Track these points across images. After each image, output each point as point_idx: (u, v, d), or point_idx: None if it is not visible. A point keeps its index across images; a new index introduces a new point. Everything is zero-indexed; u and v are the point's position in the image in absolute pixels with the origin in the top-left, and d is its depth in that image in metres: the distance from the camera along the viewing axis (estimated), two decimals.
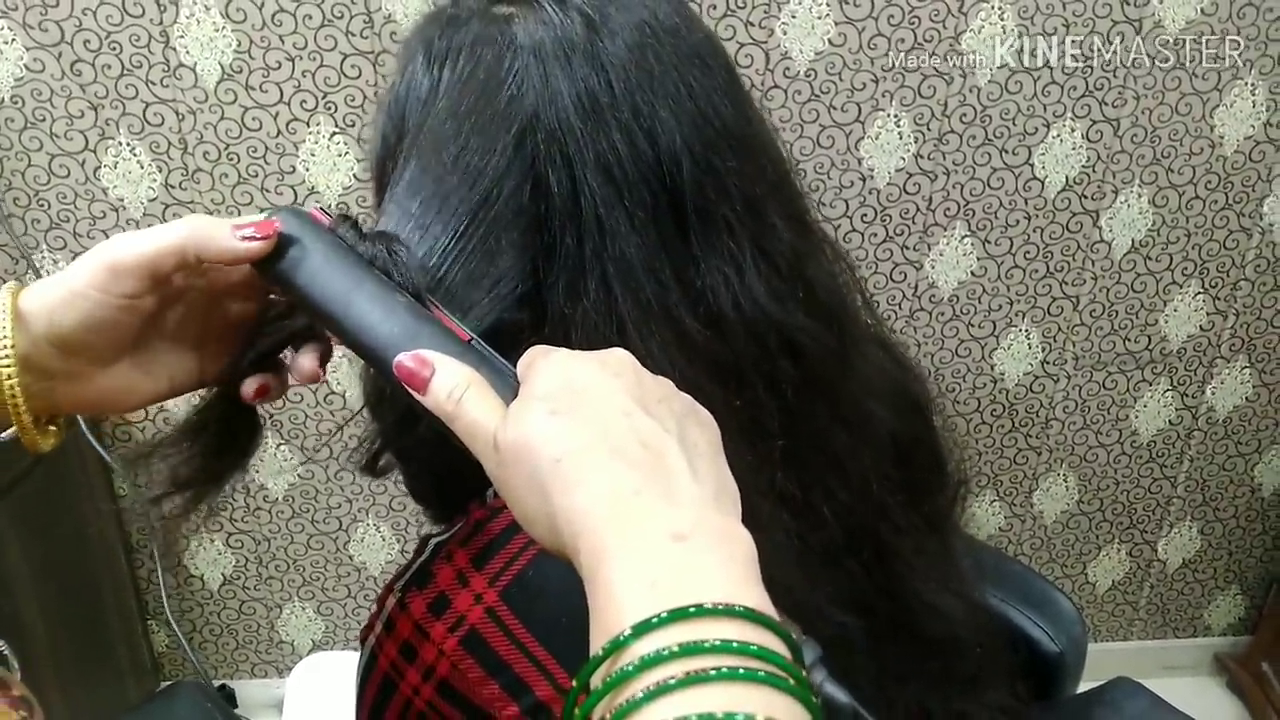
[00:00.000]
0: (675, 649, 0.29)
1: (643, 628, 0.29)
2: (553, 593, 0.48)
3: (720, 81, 0.50)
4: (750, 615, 0.30)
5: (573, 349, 0.48)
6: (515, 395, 0.39)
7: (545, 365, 0.39)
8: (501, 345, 0.52)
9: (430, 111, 0.49)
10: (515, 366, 0.41)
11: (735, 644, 0.29)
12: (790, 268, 0.50)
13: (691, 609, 0.29)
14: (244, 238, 0.44)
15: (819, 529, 0.51)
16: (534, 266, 0.49)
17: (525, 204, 0.48)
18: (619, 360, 0.39)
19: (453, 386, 0.39)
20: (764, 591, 0.32)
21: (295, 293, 0.45)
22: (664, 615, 0.29)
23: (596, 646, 0.30)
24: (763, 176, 0.51)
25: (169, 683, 1.66)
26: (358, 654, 0.55)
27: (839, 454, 0.52)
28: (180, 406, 1.47)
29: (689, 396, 0.39)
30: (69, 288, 0.43)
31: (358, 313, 0.43)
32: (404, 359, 0.40)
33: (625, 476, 0.33)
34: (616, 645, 0.29)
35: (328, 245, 0.45)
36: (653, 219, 0.47)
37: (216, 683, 1.69)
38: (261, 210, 0.49)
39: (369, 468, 0.51)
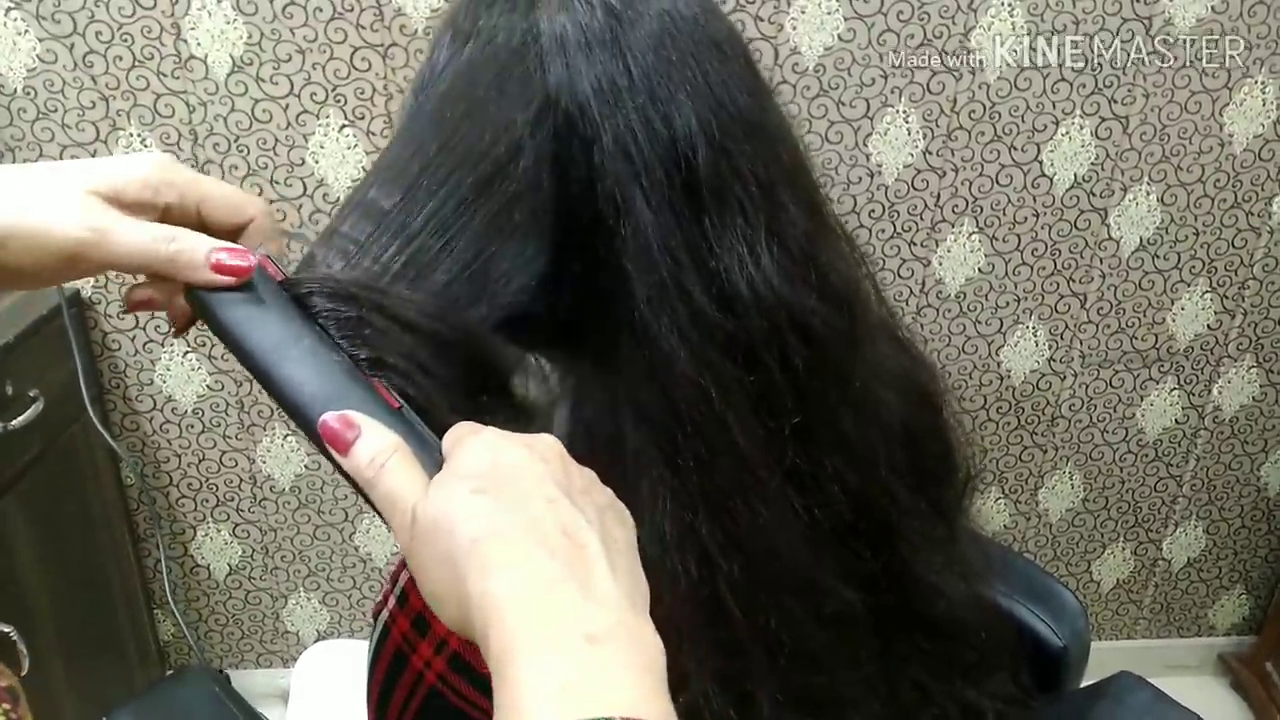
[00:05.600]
0: None
1: None
2: None
3: (738, 70, 0.51)
4: None
5: (585, 330, 0.49)
6: (439, 469, 0.38)
7: (473, 442, 0.38)
8: (525, 335, 0.52)
9: (449, 82, 0.50)
10: (448, 438, 0.40)
11: None
12: (803, 251, 0.51)
13: None
14: (219, 269, 0.43)
15: (826, 506, 0.52)
16: (550, 248, 0.49)
17: (541, 181, 0.48)
18: (547, 446, 0.38)
19: (376, 451, 0.39)
20: (670, 704, 0.32)
21: (228, 337, 0.43)
22: None
23: None
24: (778, 162, 0.51)
25: (173, 670, 1.67)
26: (365, 643, 0.55)
27: (848, 435, 0.52)
28: (187, 397, 1.48)
29: (610, 490, 0.39)
30: (34, 234, 0.40)
31: (289, 366, 0.42)
32: (330, 418, 0.40)
33: (545, 565, 0.33)
34: None
35: (272, 294, 0.44)
36: (668, 199, 0.48)
37: (217, 670, 1.70)
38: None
39: None
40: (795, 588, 0.50)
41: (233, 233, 0.46)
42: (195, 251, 0.43)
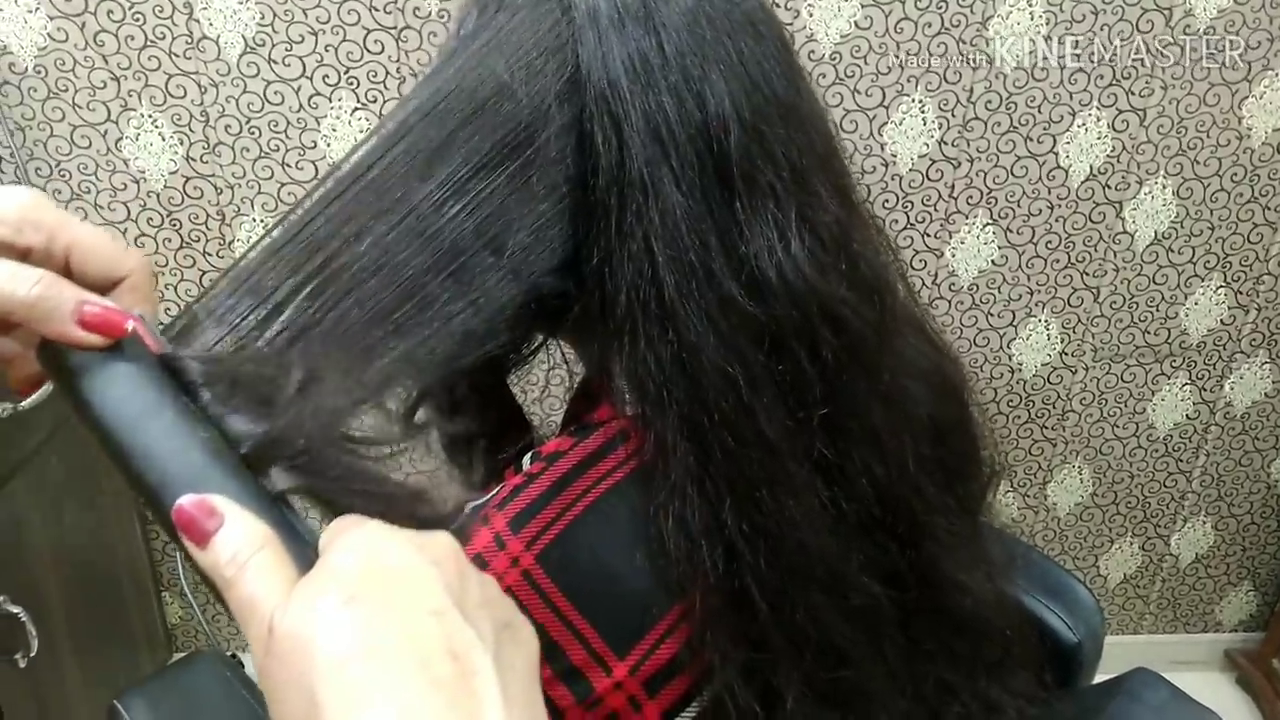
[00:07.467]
0: None
1: None
2: (587, 558, 0.48)
3: (772, 50, 0.50)
4: None
5: (610, 314, 0.49)
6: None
7: (349, 539, 0.32)
8: (544, 318, 0.52)
9: (473, 52, 0.48)
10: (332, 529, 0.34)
11: None
12: (834, 240, 0.50)
13: None
14: (87, 325, 0.36)
15: (854, 500, 0.51)
16: (574, 228, 0.48)
17: (565, 155, 0.48)
18: (441, 546, 0.33)
19: (239, 547, 0.32)
20: None
21: (82, 406, 0.36)
22: None
23: None
24: (811, 147, 0.51)
25: (184, 654, 1.67)
26: None
27: (877, 428, 0.52)
28: None
29: (511, 603, 0.34)
30: None
31: (145, 439, 0.35)
32: (186, 502, 0.33)
33: (424, 698, 0.27)
34: None
35: (140, 362, 0.37)
36: (699, 181, 0.47)
37: (227, 654, 1.70)
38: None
39: (406, 417, 0.51)
40: (822, 581, 0.49)
41: (104, 288, 0.39)
42: (62, 300, 0.35)
